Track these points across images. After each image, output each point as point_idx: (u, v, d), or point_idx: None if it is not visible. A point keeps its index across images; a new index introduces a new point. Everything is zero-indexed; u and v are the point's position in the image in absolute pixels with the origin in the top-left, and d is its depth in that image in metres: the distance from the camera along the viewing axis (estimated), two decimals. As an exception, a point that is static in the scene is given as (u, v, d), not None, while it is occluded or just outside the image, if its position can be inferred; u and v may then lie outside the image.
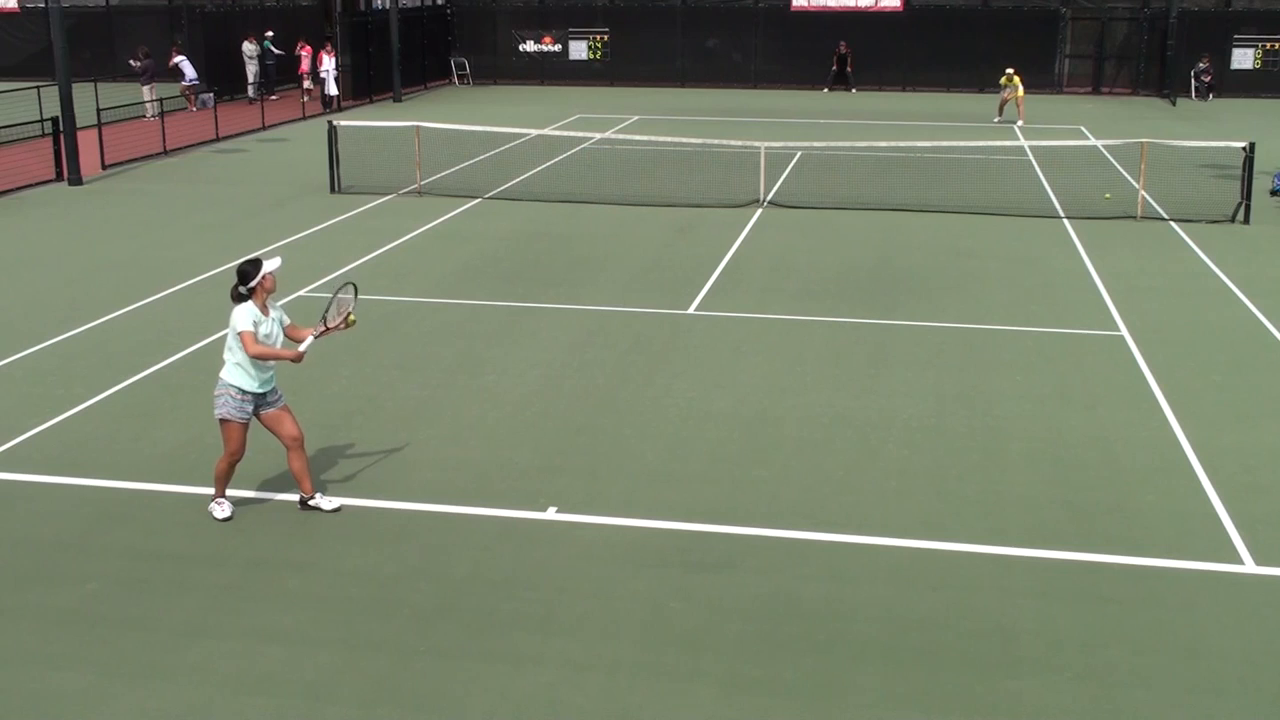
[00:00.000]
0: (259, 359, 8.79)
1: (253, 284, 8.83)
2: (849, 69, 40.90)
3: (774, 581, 8.29)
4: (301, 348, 9.08)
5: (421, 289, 15.65)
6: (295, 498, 9.41)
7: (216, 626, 7.71)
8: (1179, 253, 17.89)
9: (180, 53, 35.10)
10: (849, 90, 40.74)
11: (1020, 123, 32.43)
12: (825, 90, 40.72)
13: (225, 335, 9.16)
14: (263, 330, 8.82)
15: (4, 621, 7.78)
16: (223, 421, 8.90)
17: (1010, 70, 33.17)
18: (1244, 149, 19.94)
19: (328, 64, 35.01)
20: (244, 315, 8.81)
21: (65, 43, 23.16)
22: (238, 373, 8.84)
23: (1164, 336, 13.77)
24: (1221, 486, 9.80)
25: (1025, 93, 33.07)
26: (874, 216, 20.31)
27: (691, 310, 14.76)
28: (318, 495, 9.30)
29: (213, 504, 9.19)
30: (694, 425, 11.06)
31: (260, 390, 8.90)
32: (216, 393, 8.92)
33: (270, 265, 8.89)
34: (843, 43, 40.70)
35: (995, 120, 33.37)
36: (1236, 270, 16.69)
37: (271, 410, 9.03)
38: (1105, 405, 11.60)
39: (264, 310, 8.89)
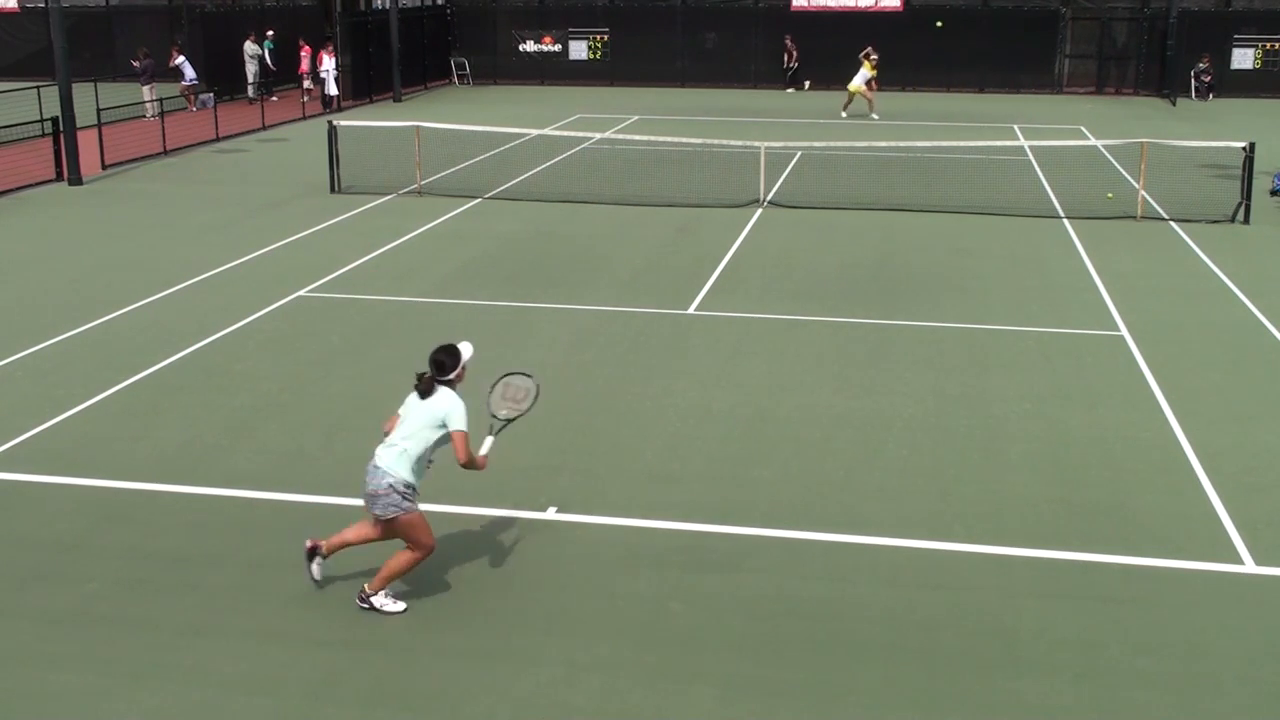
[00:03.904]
0: (476, 465, 7.79)
1: (452, 375, 7.81)
2: (795, 64, 40.86)
3: (774, 581, 8.29)
4: (490, 440, 8.14)
5: (421, 289, 15.65)
6: (294, 498, 9.42)
7: (216, 626, 7.71)
8: (1179, 253, 17.89)
9: (180, 53, 35.10)
10: (802, 88, 40.68)
11: (874, 116, 32.65)
12: (790, 90, 40.64)
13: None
14: None
15: (4, 621, 7.78)
16: (394, 521, 7.64)
17: (869, 48, 33.17)
18: (1244, 149, 19.93)
19: (328, 64, 35.01)
20: (462, 408, 7.67)
21: (65, 43, 23.16)
22: (415, 469, 7.66)
23: (1164, 336, 13.77)
24: (1221, 486, 9.80)
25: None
26: (874, 216, 20.31)
27: (691, 310, 14.76)
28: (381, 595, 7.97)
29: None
30: (694, 425, 11.06)
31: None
32: (378, 492, 7.57)
33: (466, 353, 7.91)
34: (788, 37, 40.76)
35: (843, 115, 33.19)
36: (1236, 270, 16.69)
37: None
38: (1105, 405, 11.60)
39: None
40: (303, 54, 35.67)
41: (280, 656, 7.40)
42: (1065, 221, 19.98)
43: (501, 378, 8.60)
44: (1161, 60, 38.78)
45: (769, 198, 21.50)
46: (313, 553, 8.03)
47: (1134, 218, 20.10)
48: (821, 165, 25.28)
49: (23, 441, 10.61)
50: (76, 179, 22.97)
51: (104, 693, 7.03)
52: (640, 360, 12.87)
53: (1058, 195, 22.19)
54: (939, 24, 36.80)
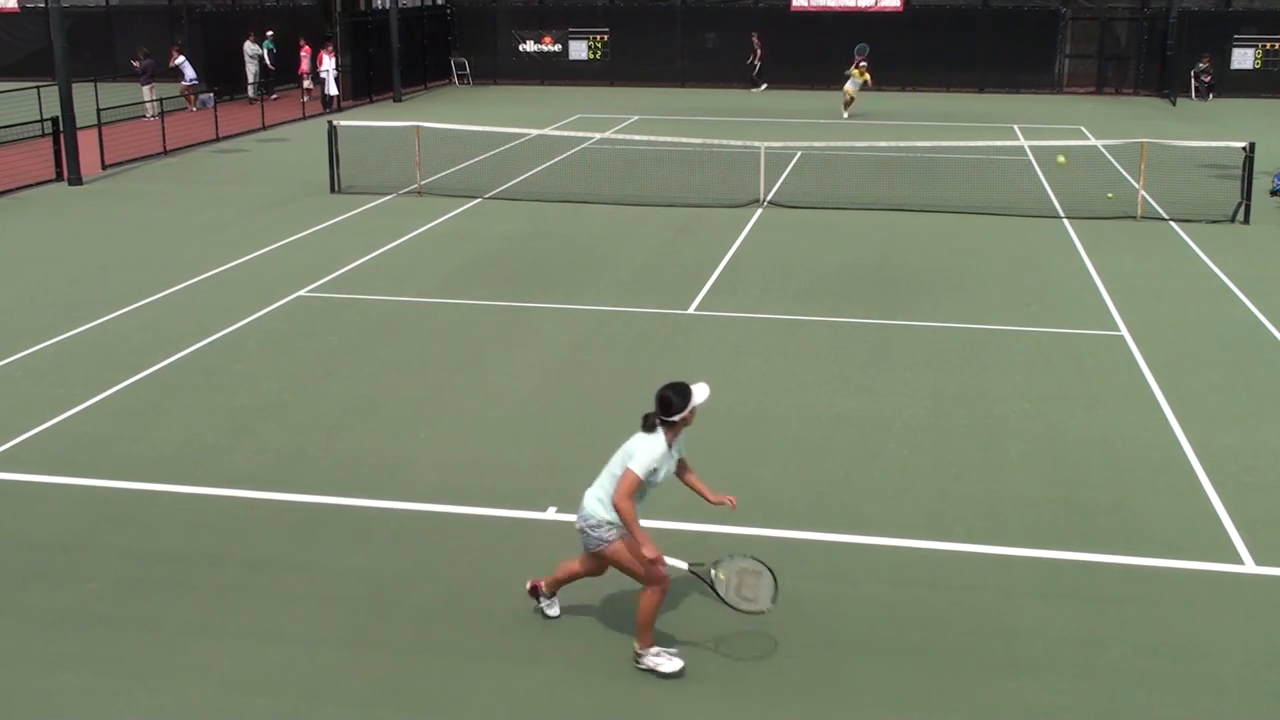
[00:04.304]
0: (619, 512, 7.10)
1: (676, 417, 7.30)
2: (759, 61, 40.91)
3: (774, 581, 8.28)
4: (681, 564, 7.36)
5: (421, 289, 15.65)
6: (294, 498, 9.43)
7: (216, 626, 7.71)
8: (1179, 253, 17.89)
9: (180, 53, 35.10)
10: (760, 87, 40.77)
11: (845, 115, 33.58)
12: (755, 90, 40.64)
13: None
14: (661, 473, 7.30)
15: (4, 621, 7.78)
16: (601, 554, 7.31)
17: (857, 61, 33.95)
18: (1244, 149, 19.93)
19: (328, 64, 35.01)
20: (647, 452, 7.20)
21: (65, 43, 23.16)
22: (607, 506, 7.24)
23: (1164, 336, 13.77)
24: (1221, 486, 9.80)
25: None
26: (874, 216, 20.31)
27: (691, 310, 14.76)
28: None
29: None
30: (694, 425, 11.02)
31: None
32: (581, 528, 7.33)
33: (700, 396, 7.35)
34: (755, 34, 40.90)
35: (844, 115, 33.94)
36: (1236, 270, 16.68)
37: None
38: (1105, 405, 11.60)
39: (669, 445, 7.35)
40: (303, 54, 35.68)
41: (280, 656, 7.39)
42: (1065, 221, 19.97)
43: (759, 563, 7.52)
44: (1161, 60, 38.78)
45: (769, 198, 21.50)
46: (535, 593, 7.72)
47: (1134, 218, 20.09)
48: (821, 165, 25.27)
49: (23, 441, 10.61)
50: (76, 179, 22.97)
51: (104, 693, 7.03)
52: (640, 360, 12.86)
53: (1058, 195, 22.19)
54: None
